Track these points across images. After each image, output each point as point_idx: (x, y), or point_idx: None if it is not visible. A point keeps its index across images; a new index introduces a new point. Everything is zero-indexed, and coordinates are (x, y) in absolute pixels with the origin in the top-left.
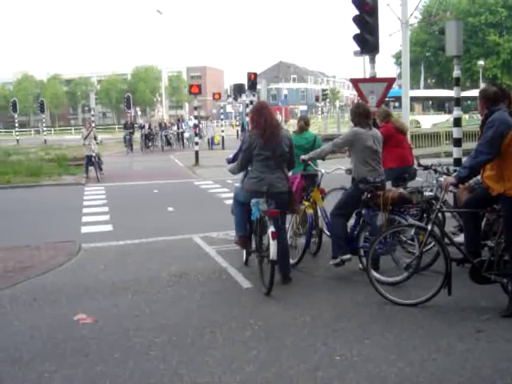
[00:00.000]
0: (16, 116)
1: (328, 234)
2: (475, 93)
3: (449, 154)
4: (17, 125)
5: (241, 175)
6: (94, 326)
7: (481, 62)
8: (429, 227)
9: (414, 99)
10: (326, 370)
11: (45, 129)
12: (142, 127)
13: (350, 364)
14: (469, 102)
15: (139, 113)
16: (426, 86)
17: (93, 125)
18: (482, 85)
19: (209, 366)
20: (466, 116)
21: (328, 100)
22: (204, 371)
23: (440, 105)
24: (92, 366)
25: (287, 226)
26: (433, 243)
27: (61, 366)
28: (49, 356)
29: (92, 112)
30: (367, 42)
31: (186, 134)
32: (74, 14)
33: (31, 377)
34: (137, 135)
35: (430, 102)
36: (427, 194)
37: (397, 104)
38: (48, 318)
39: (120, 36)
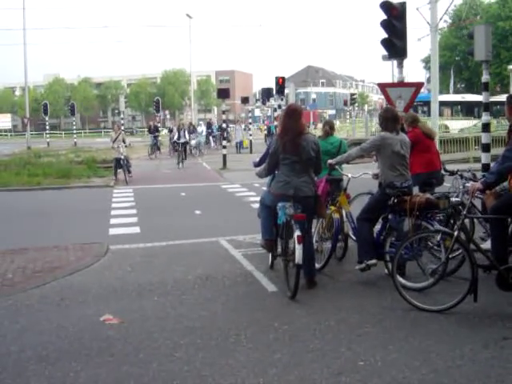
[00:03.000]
0: (47, 119)
1: (354, 238)
2: (504, 98)
3: (477, 160)
4: (48, 127)
5: (268, 179)
6: (119, 326)
7: (511, 67)
8: (455, 233)
9: (442, 104)
10: (349, 375)
11: (75, 131)
12: (170, 130)
13: (374, 369)
14: (498, 106)
15: (168, 116)
16: (456, 91)
17: (122, 128)
18: None
19: (232, 369)
20: (495, 121)
21: (356, 104)
22: (227, 373)
23: (469, 109)
24: (117, 366)
25: (313, 230)
26: (459, 249)
27: (86, 366)
28: (75, 355)
29: (121, 115)
30: (395, 46)
31: (193, 142)
32: (104, 18)
33: (57, 375)
34: (165, 138)
35: (459, 107)
36: (454, 199)
37: (425, 109)
38: (75, 318)
39: (150, 39)
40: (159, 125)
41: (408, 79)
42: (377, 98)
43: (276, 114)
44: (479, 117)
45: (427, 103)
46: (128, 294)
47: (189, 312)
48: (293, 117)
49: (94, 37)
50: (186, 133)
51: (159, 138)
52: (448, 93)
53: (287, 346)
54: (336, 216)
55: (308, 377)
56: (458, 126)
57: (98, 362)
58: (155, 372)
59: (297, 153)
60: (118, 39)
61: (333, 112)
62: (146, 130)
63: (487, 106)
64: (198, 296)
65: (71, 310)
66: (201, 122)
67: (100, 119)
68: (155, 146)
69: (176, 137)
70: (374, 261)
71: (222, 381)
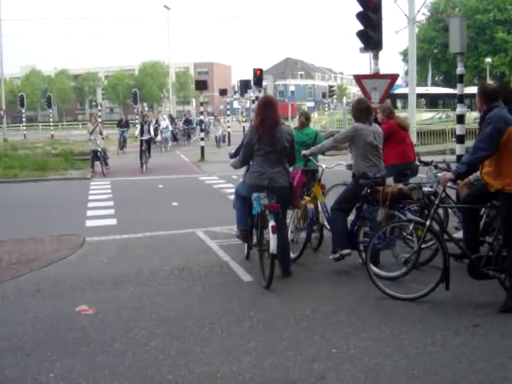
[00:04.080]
0: (24, 111)
1: (329, 228)
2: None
3: (454, 151)
4: (24, 119)
5: (243, 170)
6: (95, 317)
7: (488, 60)
8: (427, 223)
9: (406, 96)
10: (322, 362)
11: (52, 124)
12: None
13: (346, 356)
14: (472, 99)
15: (146, 108)
16: (434, 83)
17: (99, 120)
18: (490, 82)
19: (207, 357)
20: (474, 113)
21: (335, 96)
22: (202, 362)
23: (432, 102)
24: (92, 356)
25: (288, 220)
26: (433, 239)
27: (61, 356)
28: (50, 346)
29: (99, 107)
30: (370, 38)
31: (159, 137)
32: (81, 9)
33: (32, 365)
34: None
35: (423, 99)
36: (427, 189)
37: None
38: (50, 309)
39: (127, 31)
40: (137, 117)
41: (387, 71)
42: (356, 90)
43: (253, 106)
44: (444, 109)
45: (390, 96)
46: (104, 285)
47: (164, 302)
48: (268, 108)
49: (70, 28)
50: (151, 127)
51: (126, 134)
52: (426, 85)
53: (262, 335)
54: (311, 206)
55: (282, 364)
56: (422, 118)
57: (73, 352)
58: (130, 361)
59: (271, 144)
60: (95, 30)
61: (311, 104)
62: (116, 123)
63: (461, 98)
64: (173, 286)
65: (47, 301)
66: (164, 116)
67: (77, 111)
68: (123, 142)
69: (137, 132)
70: (347, 250)
71: (196, 369)
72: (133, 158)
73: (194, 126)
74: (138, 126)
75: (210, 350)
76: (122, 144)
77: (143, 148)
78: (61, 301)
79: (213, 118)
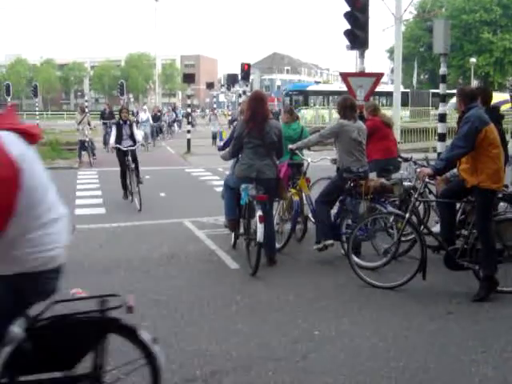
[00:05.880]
0: (9, 100)
1: (313, 220)
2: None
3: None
4: None
5: (232, 162)
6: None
7: (473, 60)
8: (407, 215)
9: (313, 93)
10: (304, 343)
11: (37, 113)
12: (133, 114)
13: (328, 338)
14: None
15: (132, 100)
16: (419, 82)
17: (86, 110)
18: (475, 82)
19: (197, 337)
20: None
21: None
22: (192, 341)
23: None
24: None
25: (274, 212)
26: (412, 232)
27: None
28: None
29: (86, 97)
30: (357, 37)
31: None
32: None
33: None
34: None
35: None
36: (407, 184)
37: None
38: None
39: (115, 21)
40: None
41: (374, 69)
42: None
43: (240, 100)
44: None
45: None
46: (96, 270)
47: (155, 286)
48: (258, 103)
49: (57, 17)
50: (135, 129)
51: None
52: (412, 84)
53: (248, 318)
54: (296, 198)
55: (267, 344)
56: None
57: None
58: (123, 340)
59: (260, 137)
60: (81, 20)
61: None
62: (99, 115)
63: (444, 98)
64: (163, 272)
65: None
66: (145, 107)
67: (62, 101)
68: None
69: (112, 139)
70: (330, 241)
71: (187, 347)
72: None
73: (180, 118)
74: (113, 129)
75: (200, 331)
76: (107, 141)
77: (127, 164)
78: None
79: (199, 111)
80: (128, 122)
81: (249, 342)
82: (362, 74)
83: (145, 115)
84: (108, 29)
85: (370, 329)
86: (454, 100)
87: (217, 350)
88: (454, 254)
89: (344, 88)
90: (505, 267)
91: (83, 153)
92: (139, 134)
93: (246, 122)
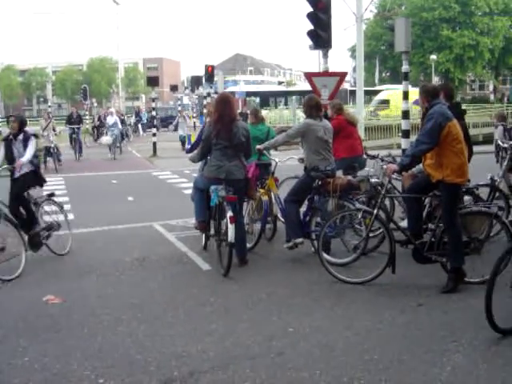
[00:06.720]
0: None
1: (282, 219)
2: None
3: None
4: None
5: (200, 164)
6: (62, 305)
7: (434, 57)
8: (374, 211)
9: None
10: (279, 340)
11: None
12: (102, 119)
13: (302, 335)
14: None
15: (95, 104)
16: (381, 80)
17: (51, 116)
18: (435, 79)
19: (172, 339)
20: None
21: None
22: (168, 343)
23: (264, 100)
24: (63, 341)
25: (244, 212)
26: (380, 228)
27: (34, 342)
28: (21, 333)
29: (49, 103)
30: (320, 37)
31: (105, 139)
32: (27, 3)
33: (6, 351)
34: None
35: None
36: (374, 181)
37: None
38: (17, 300)
39: (75, 25)
40: (87, 113)
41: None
42: (304, 86)
43: (205, 102)
44: (276, 107)
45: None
46: (68, 276)
47: (128, 290)
48: (225, 104)
49: (16, 22)
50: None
51: (80, 135)
52: (374, 81)
53: (222, 318)
54: (265, 198)
55: (242, 343)
56: None
57: (44, 338)
58: (100, 344)
59: (228, 138)
60: (41, 25)
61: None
62: (66, 119)
63: (406, 95)
64: (135, 276)
65: (13, 292)
66: (111, 110)
67: (25, 107)
68: (77, 143)
69: None
70: (300, 239)
71: (163, 349)
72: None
73: (145, 121)
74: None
75: (175, 332)
76: (78, 150)
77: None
78: (27, 292)
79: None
80: (22, 136)
81: (224, 342)
82: (326, 73)
83: (112, 119)
84: (69, 33)
85: (342, 323)
86: (378, 97)
87: (193, 350)
88: (422, 248)
89: (268, 88)
90: (471, 259)
91: (48, 159)
92: (29, 152)
93: (213, 124)
